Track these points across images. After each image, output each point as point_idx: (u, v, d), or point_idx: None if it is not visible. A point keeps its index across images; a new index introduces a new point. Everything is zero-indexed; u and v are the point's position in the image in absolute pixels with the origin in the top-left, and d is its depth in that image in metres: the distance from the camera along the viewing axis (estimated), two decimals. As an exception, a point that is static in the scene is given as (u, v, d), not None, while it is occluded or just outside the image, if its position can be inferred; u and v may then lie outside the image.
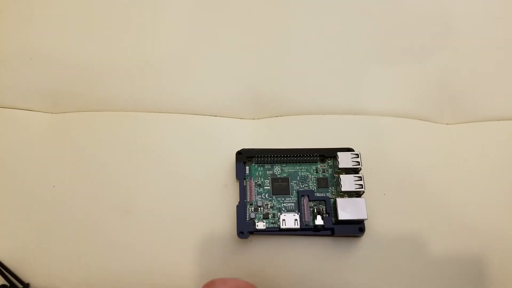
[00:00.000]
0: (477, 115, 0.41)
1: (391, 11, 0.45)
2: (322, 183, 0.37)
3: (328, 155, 0.37)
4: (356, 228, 0.34)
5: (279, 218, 0.35)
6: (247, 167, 0.37)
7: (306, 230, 0.35)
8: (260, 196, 0.36)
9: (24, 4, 0.45)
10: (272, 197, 0.36)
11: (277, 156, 0.37)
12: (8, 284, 0.34)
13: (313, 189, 0.36)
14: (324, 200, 0.36)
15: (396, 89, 0.42)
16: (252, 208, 0.36)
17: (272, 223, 0.35)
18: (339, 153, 0.36)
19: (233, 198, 0.37)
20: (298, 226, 0.34)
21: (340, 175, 0.36)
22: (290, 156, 0.37)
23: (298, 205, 0.36)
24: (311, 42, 0.43)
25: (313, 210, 0.36)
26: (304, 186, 0.37)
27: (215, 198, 0.37)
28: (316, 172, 0.37)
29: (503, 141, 0.39)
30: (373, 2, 0.45)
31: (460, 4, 0.45)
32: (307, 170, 0.37)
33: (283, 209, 0.36)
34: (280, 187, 0.37)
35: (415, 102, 0.41)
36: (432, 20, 0.44)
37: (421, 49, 0.43)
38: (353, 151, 0.37)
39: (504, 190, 0.37)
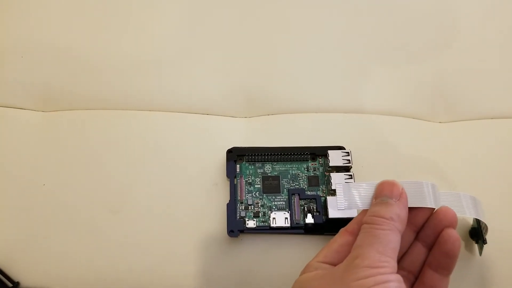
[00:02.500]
0: (470, 113, 0.41)
1: (384, 10, 0.44)
2: (313, 181, 0.37)
3: (319, 153, 0.37)
4: (346, 226, 0.34)
5: (269, 217, 0.35)
6: (238, 166, 0.37)
7: (297, 228, 0.35)
8: (250, 194, 0.36)
9: (16, 0, 0.45)
10: (262, 196, 0.36)
11: (268, 155, 0.37)
12: (-3, 283, 0.34)
13: (304, 187, 0.36)
14: (315, 199, 0.36)
15: (389, 87, 0.41)
16: (243, 207, 0.36)
17: (263, 221, 0.35)
18: (329, 151, 0.36)
19: (224, 197, 0.36)
20: (289, 225, 0.34)
21: (331, 173, 0.35)
22: (281, 154, 0.37)
23: (289, 203, 0.36)
24: (304, 40, 0.43)
25: (304, 209, 0.35)
26: (295, 185, 0.36)
27: (206, 197, 0.37)
28: (307, 170, 0.37)
29: (495, 139, 0.39)
30: (367, 1, 0.45)
31: (454, 6, 0.44)
32: (298, 169, 0.37)
33: (274, 207, 0.36)
34: (270, 186, 0.36)
35: (408, 100, 0.41)
36: (426, 21, 0.44)
37: (415, 49, 0.43)
38: (344, 149, 0.37)
39: (496, 188, 0.37)
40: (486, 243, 0.33)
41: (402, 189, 0.28)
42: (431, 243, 0.29)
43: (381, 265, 0.24)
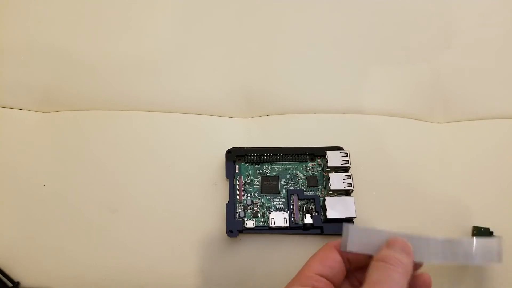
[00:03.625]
0: (468, 114, 0.41)
1: (383, 12, 0.44)
2: (311, 181, 0.37)
3: (318, 153, 0.37)
4: (345, 226, 0.34)
5: (268, 217, 0.35)
6: (237, 166, 0.37)
7: (295, 228, 0.35)
8: (249, 194, 0.36)
9: (16, 2, 0.45)
10: (261, 196, 0.36)
11: (266, 155, 0.37)
12: (-3, 283, 0.34)
13: (302, 187, 0.37)
14: (314, 199, 0.36)
15: (387, 88, 0.42)
16: (242, 207, 0.36)
17: (262, 221, 0.35)
18: (328, 152, 0.36)
19: (223, 197, 0.37)
20: (287, 225, 0.35)
21: (329, 174, 0.36)
22: (279, 154, 0.37)
23: (288, 203, 0.36)
24: (303, 41, 0.43)
25: (303, 209, 0.36)
26: (294, 185, 0.37)
27: (205, 197, 0.37)
28: (306, 170, 0.37)
29: (493, 140, 0.39)
30: (365, 2, 0.45)
31: (453, 6, 0.45)
32: (296, 169, 0.37)
33: (273, 207, 0.36)
34: (269, 186, 0.37)
35: (406, 101, 0.41)
36: (425, 21, 0.44)
37: (413, 49, 0.43)
38: (343, 149, 0.37)
39: (495, 188, 0.37)
40: None
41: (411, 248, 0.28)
42: None
43: None
